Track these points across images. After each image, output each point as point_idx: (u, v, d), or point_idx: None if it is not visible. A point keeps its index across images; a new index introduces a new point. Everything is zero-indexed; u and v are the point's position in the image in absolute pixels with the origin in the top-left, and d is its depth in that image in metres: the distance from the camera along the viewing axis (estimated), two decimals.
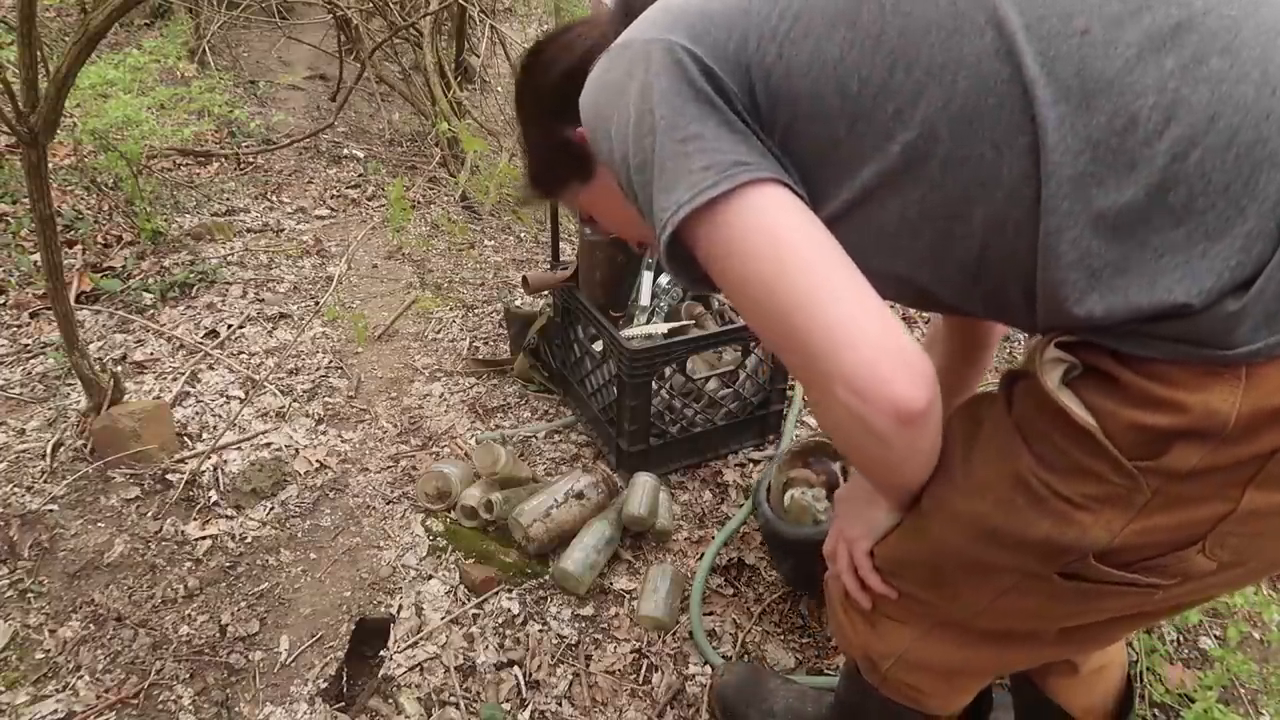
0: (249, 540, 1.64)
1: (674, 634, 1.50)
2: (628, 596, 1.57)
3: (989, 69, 0.59)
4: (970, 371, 1.08)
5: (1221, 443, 0.57)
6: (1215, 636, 1.53)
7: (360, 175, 3.62)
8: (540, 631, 1.49)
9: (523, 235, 3.30)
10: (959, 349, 1.07)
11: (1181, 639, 1.53)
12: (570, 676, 1.41)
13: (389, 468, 1.87)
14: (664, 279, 1.95)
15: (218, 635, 1.43)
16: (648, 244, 0.93)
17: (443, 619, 1.49)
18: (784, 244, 0.62)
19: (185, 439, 1.89)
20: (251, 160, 3.55)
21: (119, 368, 2.08)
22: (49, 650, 1.38)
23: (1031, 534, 0.66)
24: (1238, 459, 0.57)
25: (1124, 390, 0.60)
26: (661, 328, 1.87)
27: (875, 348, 0.59)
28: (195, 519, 1.67)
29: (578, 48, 0.84)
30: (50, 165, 1.76)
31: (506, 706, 1.36)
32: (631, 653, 1.46)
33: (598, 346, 1.86)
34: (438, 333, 2.46)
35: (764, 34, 0.66)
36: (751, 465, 1.92)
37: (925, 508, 0.75)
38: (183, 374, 2.11)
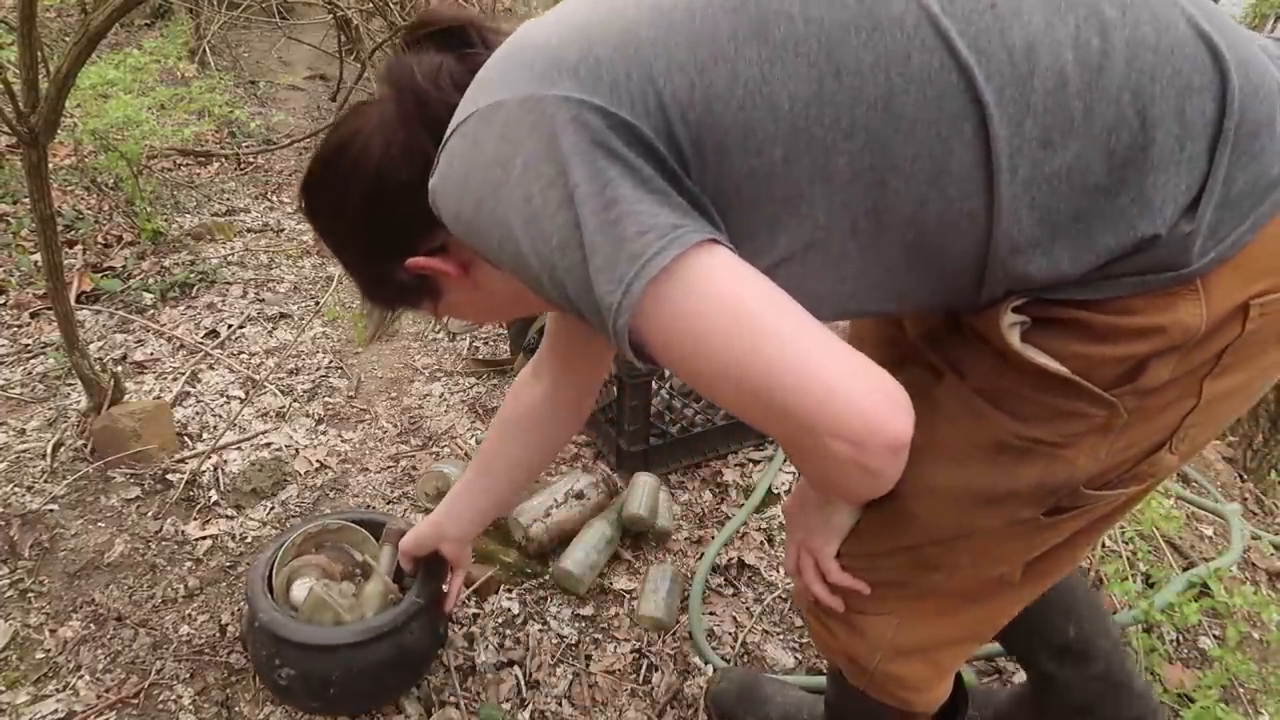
0: (249, 540, 1.64)
1: (674, 634, 1.50)
2: (628, 596, 1.57)
3: (920, 61, 0.58)
4: None
5: (1188, 351, 0.62)
6: (1215, 636, 1.53)
7: None
8: (540, 631, 1.49)
9: None
10: None
11: (1181, 639, 1.53)
12: (570, 676, 1.42)
13: (389, 468, 1.87)
14: None
15: (218, 635, 1.43)
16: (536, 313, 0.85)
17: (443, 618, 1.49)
18: (746, 314, 0.56)
19: (185, 439, 1.89)
20: (251, 160, 3.55)
21: (119, 368, 2.08)
22: (49, 650, 1.38)
23: (1022, 484, 0.70)
24: (1200, 360, 0.63)
25: (1095, 333, 0.63)
26: None
27: (864, 398, 0.56)
28: (195, 519, 1.67)
29: (370, 158, 0.70)
30: (50, 165, 1.77)
31: (506, 706, 1.36)
32: (631, 653, 1.46)
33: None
34: (438, 333, 2.46)
35: (669, 65, 0.58)
36: (751, 465, 1.92)
37: (900, 492, 0.70)
38: (183, 374, 2.12)
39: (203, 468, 1.79)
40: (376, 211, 0.71)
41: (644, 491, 1.65)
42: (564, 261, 0.57)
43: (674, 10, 0.60)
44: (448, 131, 0.64)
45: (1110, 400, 0.64)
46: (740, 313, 0.56)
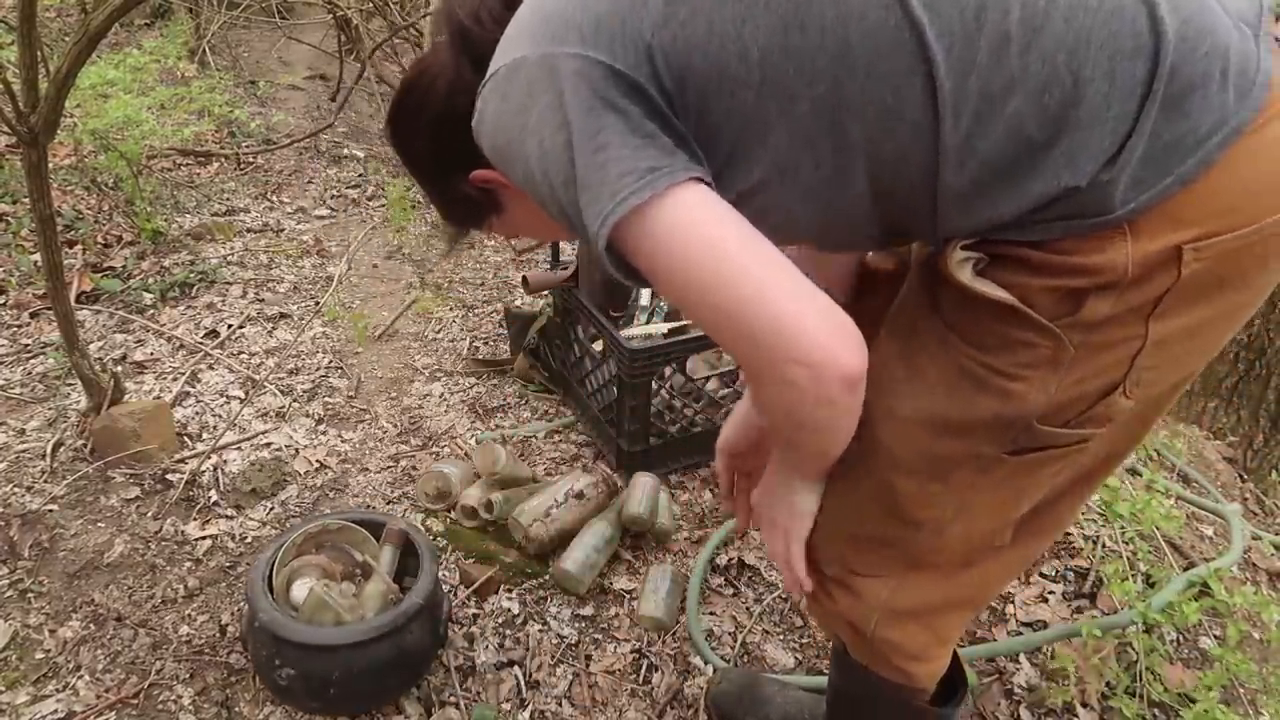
0: (249, 540, 1.64)
1: (674, 634, 1.50)
2: (628, 596, 1.57)
3: (878, 17, 0.63)
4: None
5: (1124, 290, 0.66)
6: (1215, 636, 1.53)
7: (360, 175, 3.62)
8: (540, 631, 1.49)
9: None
10: None
11: (1181, 639, 1.53)
12: (570, 676, 1.41)
13: (389, 468, 1.87)
14: None
15: (218, 635, 1.43)
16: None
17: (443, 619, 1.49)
18: (714, 243, 0.64)
19: (185, 439, 1.89)
20: (251, 160, 3.55)
21: (119, 368, 2.08)
22: (49, 650, 1.38)
23: (979, 414, 0.74)
24: (1141, 300, 0.67)
25: (1034, 267, 0.68)
26: (661, 327, 1.87)
27: (820, 327, 0.63)
28: (195, 519, 1.67)
29: (436, 93, 0.81)
30: (50, 165, 1.77)
31: (506, 706, 1.36)
32: (631, 653, 1.46)
33: (598, 346, 1.86)
34: (438, 333, 2.46)
35: (655, 21, 0.66)
36: None
37: (869, 419, 0.76)
38: (183, 374, 2.12)
39: (203, 468, 1.79)
40: (442, 135, 0.81)
41: (644, 491, 1.65)
42: (566, 195, 0.67)
43: None
44: (487, 75, 0.73)
45: (1055, 331, 0.68)
46: (712, 243, 0.65)
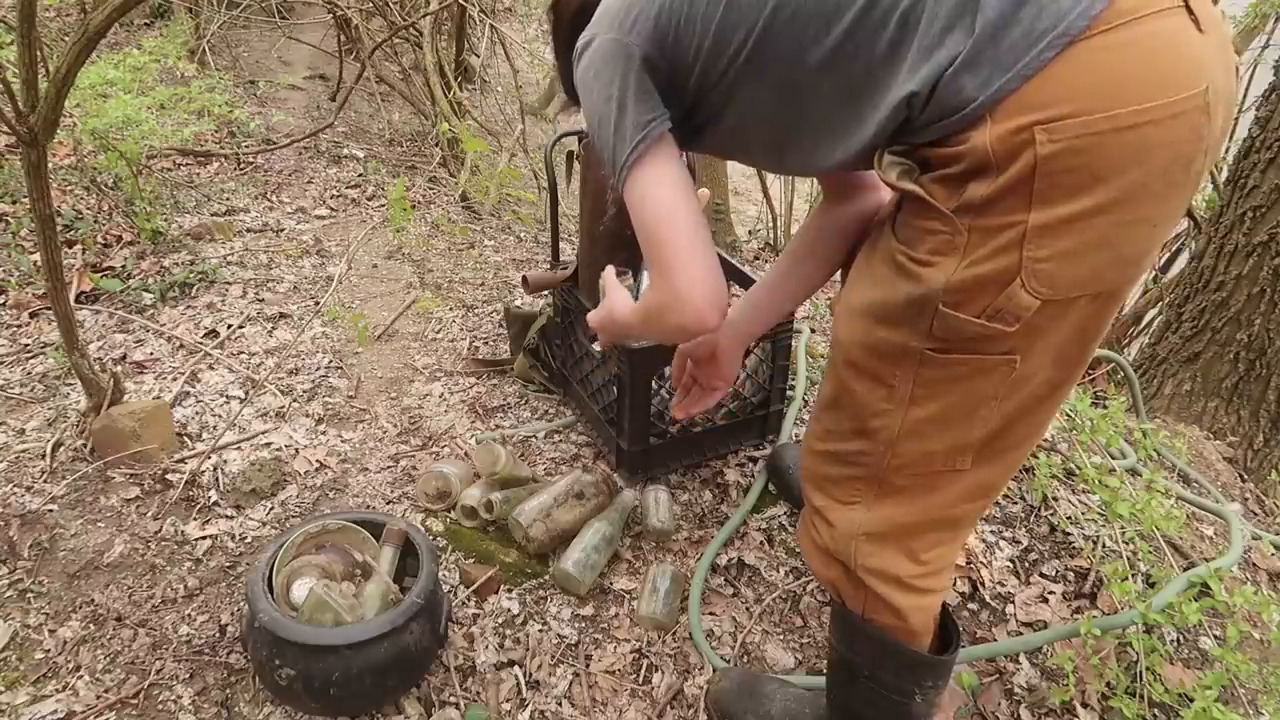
0: (249, 540, 1.64)
1: (674, 634, 1.50)
2: (628, 596, 1.57)
3: None
4: (858, 209, 1.18)
5: (997, 174, 0.76)
6: (1215, 636, 1.53)
7: (360, 175, 3.62)
8: (540, 631, 1.49)
9: (523, 235, 3.30)
10: (838, 205, 1.19)
11: (1181, 639, 1.53)
12: (570, 676, 1.41)
13: (389, 468, 1.87)
14: None
15: (218, 635, 1.43)
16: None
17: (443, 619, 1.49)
18: (665, 195, 0.96)
19: (185, 439, 1.89)
20: (251, 160, 3.55)
21: (119, 368, 2.08)
22: (49, 650, 1.38)
23: (898, 297, 0.85)
24: (1012, 180, 0.75)
25: (931, 164, 0.82)
26: None
27: (698, 279, 0.93)
28: (195, 519, 1.67)
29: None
30: (50, 165, 1.76)
31: (506, 706, 1.36)
32: (631, 653, 1.46)
33: (598, 346, 1.86)
34: (438, 333, 2.46)
35: (661, 10, 0.95)
36: (751, 465, 1.92)
37: (836, 318, 0.97)
38: (183, 374, 2.12)
39: (202, 468, 1.79)
40: (584, 17, 1.08)
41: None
42: (602, 133, 0.99)
43: None
44: (579, 42, 1.03)
45: (949, 215, 0.79)
46: (664, 192, 0.96)
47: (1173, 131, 0.73)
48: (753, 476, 1.88)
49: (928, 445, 0.92)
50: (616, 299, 1.16)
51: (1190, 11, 0.74)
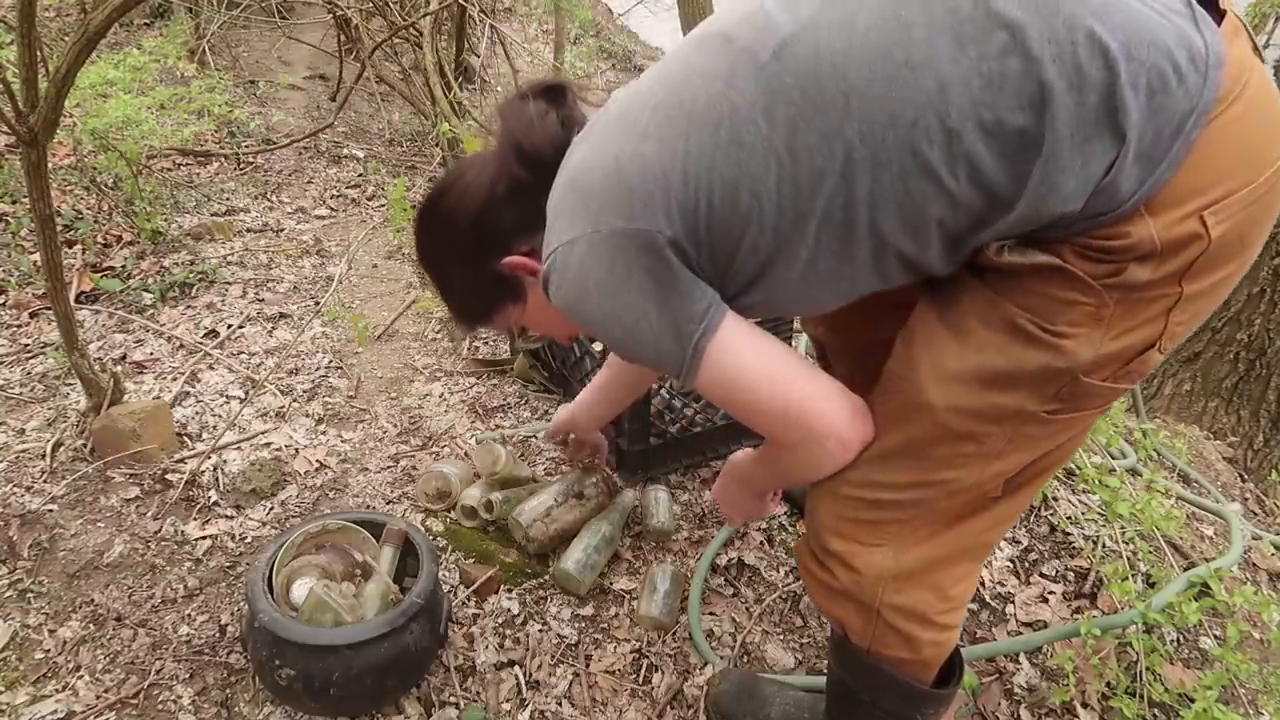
0: (249, 540, 1.64)
1: (674, 634, 1.50)
2: (628, 596, 1.57)
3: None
4: None
5: (1161, 260, 0.73)
6: (1215, 636, 1.53)
7: (360, 175, 3.62)
8: (540, 631, 1.49)
9: None
10: None
11: (1181, 639, 1.53)
12: (570, 676, 1.41)
13: (389, 468, 1.87)
14: None
15: (218, 635, 1.43)
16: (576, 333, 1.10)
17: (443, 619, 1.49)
18: (760, 366, 0.84)
19: (185, 439, 1.89)
20: (251, 160, 3.55)
21: (119, 368, 2.08)
22: (49, 650, 1.38)
23: (1029, 366, 0.79)
24: (1179, 265, 0.74)
25: (1074, 249, 0.76)
26: None
27: (849, 414, 0.87)
28: (195, 519, 1.67)
29: (478, 186, 0.95)
30: (50, 165, 1.76)
31: (506, 706, 1.36)
32: (631, 653, 1.46)
33: (598, 346, 1.86)
34: (438, 333, 2.46)
35: (685, 185, 0.79)
36: None
37: (915, 380, 0.86)
38: (183, 374, 2.11)
39: (202, 468, 1.79)
40: (487, 219, 0.95)
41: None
42: (653, 347, 0.85)
43: (676, 140, 0.79)
44: (564, 236, 0.84)
45: (1097, 288, 0.75)
46: (758, 365, 0.85)
47: None
48: None
49: (986, 488, 0.89)
50: (738, 464, 1.12)
51: (1257, 52, 0.76)
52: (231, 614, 1.47)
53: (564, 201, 0.85)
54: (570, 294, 0.84)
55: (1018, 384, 0.81)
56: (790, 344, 1.84)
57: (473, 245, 0.96)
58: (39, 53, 1.43)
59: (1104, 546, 1.69)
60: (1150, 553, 1.65)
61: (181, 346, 2.25)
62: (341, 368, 2.24)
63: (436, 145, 3.68)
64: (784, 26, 0.76)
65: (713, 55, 0.80)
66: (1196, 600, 1.41)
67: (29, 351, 2.15)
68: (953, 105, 0.70)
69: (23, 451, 1.79)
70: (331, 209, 3.29)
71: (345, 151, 3.81)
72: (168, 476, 1.76)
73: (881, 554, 0.92)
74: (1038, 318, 0.78)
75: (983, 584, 1.61)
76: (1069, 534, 1.72)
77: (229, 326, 2.36)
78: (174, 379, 2.10)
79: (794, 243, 0.79)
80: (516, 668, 1.42)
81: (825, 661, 1.46)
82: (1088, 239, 0.75)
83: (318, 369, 2.22)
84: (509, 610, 1.52)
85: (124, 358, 2.18)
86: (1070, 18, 0.69)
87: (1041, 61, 0.69)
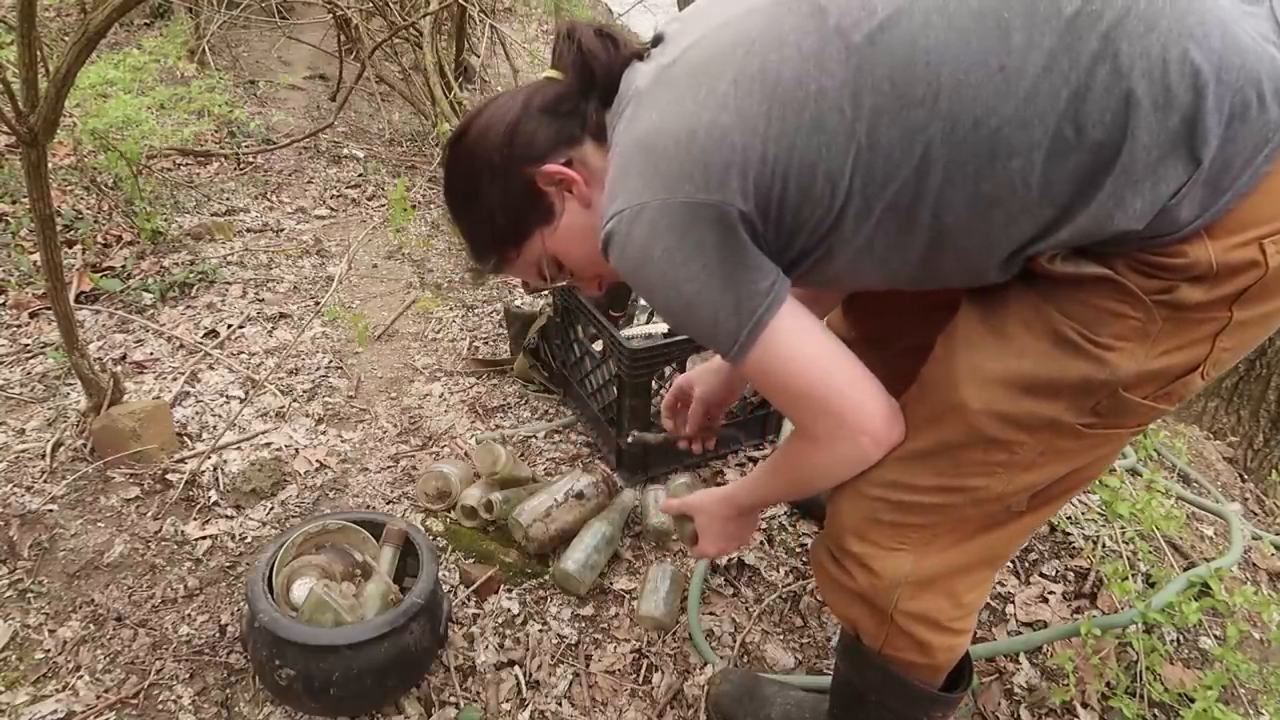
0: (249, 540, 1.64)
1: (674, 634, 1.50)
2: (628, 596, 1.57)
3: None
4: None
5: (1215, 283, 0.73)
6: (1215, 636, 1.53)
7: (360, 175, 3.62)
8: (540, 631, 1.49)
9: None
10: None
11: (1181, 639, 1.53)
12: (570, 676, 1.41)
13: (389, 468, 1.87)
14: None
15: (218, 635, 1.43)
16: (608, 281, 1.01)
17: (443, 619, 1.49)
18: (811, 350, 0.84)
19: (185, 439, 1.89)
20: (251, 160, 3.55)
21: (119, 368, 2.08)
22: (49, 650, 1.38)
23: (1070, 376, 0.79)
24: (1232, 290, 0.73)
25: (1127, 263, 0.76)
26: (661, 327, 1.87)
27: (886, 413, 0.86)
28: (195, 519, 1.67)
29: (514, 103, 0.92)
30: (50, 165, 1.76)
31: (506, 706, 1.36)
32: (631, 653, 1.46)
33: (598, 346, 1.86)
34: (438, 333, 2.46)
35: (761, 159, 0.77)
36: (751, 465, 1.92)
37: (952, 379, 0.85)
38: (183, 374, 2.11)
39: (202, 468, 1.79)
40: (520, 130, 0.90)
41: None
42: (712, 322, 0.82)
43: (758, 118, 0.77)
44: (629, 201, 0.81)
45: (1146, 302, 0.74)
46: (809, 354, 0.84)
47: None
48: None
49: (1011, 501, 0.88)
50: (724, 494, 1.10)
51: None
52: (232, 614, 1.47)
53: (632, 164, 0.82)
54: (634, 257, 0.82)
55: (1057, 393, 0.80)
56: None
57: (507, 156, 0.90)
58: (39, 53, 1.43)
59: (1104, 546, 1.69)
60: (1150, 553, 1.65)
61: (181, 346, 2.25)
62: (341, 368, 2.24)
63: (436, 145, 3.68)
64: (882, 7, 0.74)
65: (803, 25, 0.77)
66: (1196, 600, 1.41)
67: (29, 351, 2.15)
68: (1038, 116, 0.70)
69: (23, 451, 1.79)
70: (331, 209, 3.29)
71: (345, 151, 3.81)
72: (168, 476, 1.76)
73: (901, 559, 0.92)
74: (1083, 328, 0.77)
75: None
76: (1069, 534, 1.72)
77: (229, 326, 2.36)
78: (174, 379, 2.10)
79: (857, 227, 0.79)
80: (516, 668, 1.42)
81: (826, 661, 1.46)
82: (1144, 254, 0.74)
83: (318, 369, 2.22)
84: (509, 610, 1.52)
85: (124, 358, 2.18)
86: (1166, 35, 0.68)
87: (1131, 75, 0.68)
